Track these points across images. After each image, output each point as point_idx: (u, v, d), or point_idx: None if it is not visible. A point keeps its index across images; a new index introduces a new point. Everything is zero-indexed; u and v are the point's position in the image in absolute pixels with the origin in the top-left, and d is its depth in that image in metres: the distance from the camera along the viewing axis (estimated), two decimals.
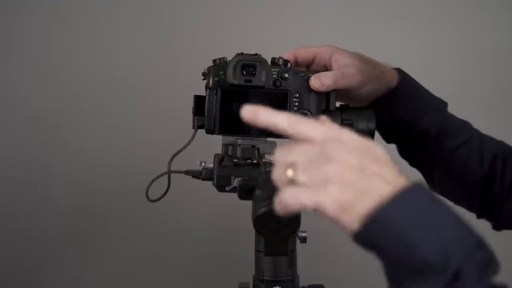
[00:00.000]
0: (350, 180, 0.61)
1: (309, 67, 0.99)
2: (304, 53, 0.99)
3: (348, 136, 0.64)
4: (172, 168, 0.94)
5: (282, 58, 0.93)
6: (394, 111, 0.99)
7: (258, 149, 0.91)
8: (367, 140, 0.65)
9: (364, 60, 0.97)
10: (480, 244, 0.60)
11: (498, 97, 1.77)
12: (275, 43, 1.59)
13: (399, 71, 1.01)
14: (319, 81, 0.92)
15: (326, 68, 0.97)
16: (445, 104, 1.02)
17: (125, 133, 1.70)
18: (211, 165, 0.92)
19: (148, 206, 0.98)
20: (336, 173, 0.61)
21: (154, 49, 1.69)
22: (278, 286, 0.92)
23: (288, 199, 0.62)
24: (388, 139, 1.03)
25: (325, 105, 0.94)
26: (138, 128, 1.70)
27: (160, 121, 1.69)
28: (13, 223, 1.69)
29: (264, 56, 0.92)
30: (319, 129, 0.64)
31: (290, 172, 0.63)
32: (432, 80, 1.08)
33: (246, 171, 0.90)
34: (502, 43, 1.75)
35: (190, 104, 0.94)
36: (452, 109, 1.03)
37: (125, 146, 1.70)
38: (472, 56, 1.74)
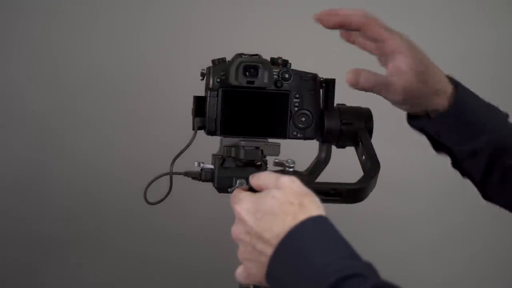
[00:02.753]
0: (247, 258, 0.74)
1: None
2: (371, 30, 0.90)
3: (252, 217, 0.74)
4: (169, 170, 0.93)
5: (281, 58, 0.92)
6: (444, 132, 0.92)
7: (262, 151, 0.90)
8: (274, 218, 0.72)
9: (421, 78, 0.89)
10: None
11: (498, 97, 1.76)
12: (275, 42, 1.59)
13: (455, 89, 0.93)
14: (355, 78, 0.86)
15: (382, 55, 0.90)
16: (505, 116, 0.95)
17: (124, 133, 1.70)
18: (209, 166, 0.92)
19: (148, 206, 0.98)
20: (240, 254, 0.75)
21: (154, 50, 1.69)
22: None
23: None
24: (437, 149, 0.96)
25: (323, 104, 0.93)
26: (137, 128, 1.70)
27: (160, 121, 1.69)
28: (13, 223, 1.69)
29: (263, 55, 0.91)
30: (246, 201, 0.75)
31: None
32: None
33: (249, 172, 0.88)
34: (502, 43, 1.75)
35: (190, 104, 0.93)
36: None
37: (124, 146, 1.70)
38: (472, 56, 1.74)
